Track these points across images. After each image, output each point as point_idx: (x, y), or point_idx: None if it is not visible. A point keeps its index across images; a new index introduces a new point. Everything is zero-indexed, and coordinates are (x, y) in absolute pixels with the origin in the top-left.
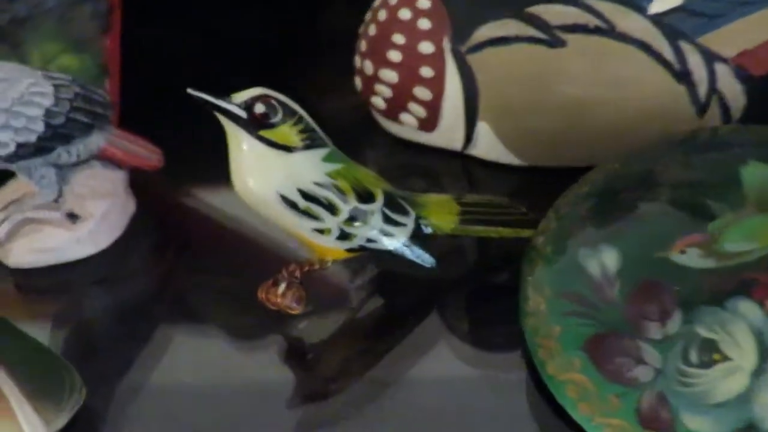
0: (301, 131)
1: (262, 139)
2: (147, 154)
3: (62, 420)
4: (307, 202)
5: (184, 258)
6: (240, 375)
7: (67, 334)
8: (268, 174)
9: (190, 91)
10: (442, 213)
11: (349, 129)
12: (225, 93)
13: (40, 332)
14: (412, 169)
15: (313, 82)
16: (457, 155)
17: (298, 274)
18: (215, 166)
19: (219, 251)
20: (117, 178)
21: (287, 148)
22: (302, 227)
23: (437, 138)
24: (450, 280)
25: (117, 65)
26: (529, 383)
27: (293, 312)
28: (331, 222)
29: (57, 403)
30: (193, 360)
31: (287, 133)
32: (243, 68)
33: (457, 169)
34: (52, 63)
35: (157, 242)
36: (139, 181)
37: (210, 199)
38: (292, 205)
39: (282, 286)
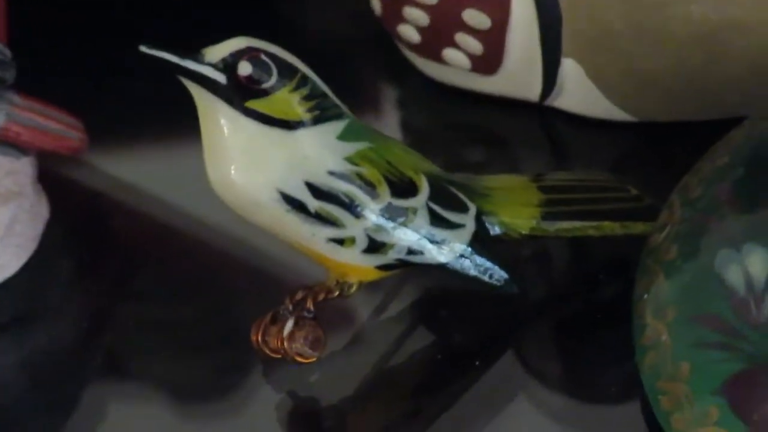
0: (306, 98)
1: (250, 112)
2: (64, 132)
3: None
4: (320, 201)
5: (124, 285)
6: (242, 404)
7: None
8: (262, 163)
9: (143, 48)
10: (516, 205)
11: (363, 74)
12: (193, 48)
13: None
14: (461, 133)
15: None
16: (532, 109)
17: (309, 305)
18: (171, 148)
19: (179, 274)
20: (22, 171)
21: (288, 124)
22: (313, 237)
23: (501, 84)
24: (529, 306)
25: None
26: None
27: (306, 361)
28: (355, 228)
29: None
30: None
31: (286, 101)
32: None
33: (533, 129)
34: None
35: (83, 262)
36: (51, 175)
37: (164, 196)
38: (299, 206)
39: (288, 325)
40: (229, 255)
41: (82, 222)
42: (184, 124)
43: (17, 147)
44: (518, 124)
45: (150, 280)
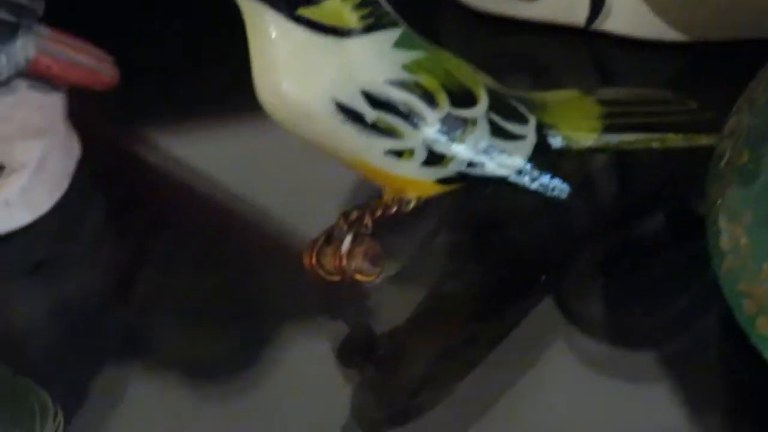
0: (359, 5)
1: (301, 20)
2: (95, 66)
3: None
4: (378, 111)
5: (163, 226)
6: (263, 377)
7: None
8: (315, 73)
9: None
10: (576, 117)
11: (398, 5)
12: None
13: None
14: (502, 63)
15: None
16: (577, 34)
17: (368, 221)
18: (209, 76)
19: (203, 237)
20: (53, 106)
21: (340, 32)
22: (370, 150)
23: (545, 9)
24: (594, 221)
25: None
26: (731, 357)
27: (367, 278)
28: (415, 139)
29: None
30: (191, 366)
31: (338, 8)
32: None
33: (579, 55)
34: None
35: (113, 208)
36: (80, 111)
37: (197, 149)
38: (355, 116)
39: (347, 241)
40: (253, 227)
41: (113, 165)
42: (223, 45)
43: (47, 81)
44: (563, 50)
45: (189, 222)
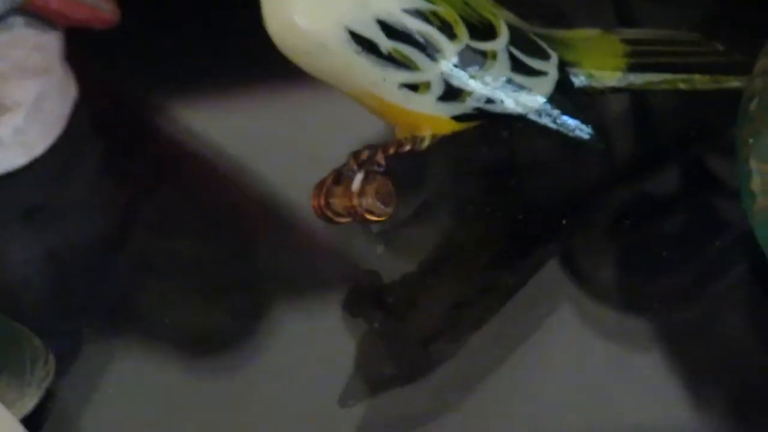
0: None
1: None
2: (95, 2)
3: (30, 399)
4: (393, 41)
5: (161, 177)
6: (274, 329)
7: None
8: (327, 1)
9: None
10: (600, 55)
11: None
12: None
13: None
14: (520, 11)
15: None
16: None
17: (380, 158)
18: (215, 23)
19: (200, 197)
20: (50, 46)
21: None
22: (384, 83)
23: None
24: (617, 166)
25: None
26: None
27: (377, 219)
28: (431, 71)
29: (19, 377)
30: (187, 322)
31: None
32: None
33: (603, 4)
34: None
35: (117, 149)
36: (78, 52)
37: (209, 83)
38: (370, 47)
39: (358, 178)
40: (256, 183)
41: (111, 109)
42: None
43: (45, 18)
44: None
45: (174, 189)
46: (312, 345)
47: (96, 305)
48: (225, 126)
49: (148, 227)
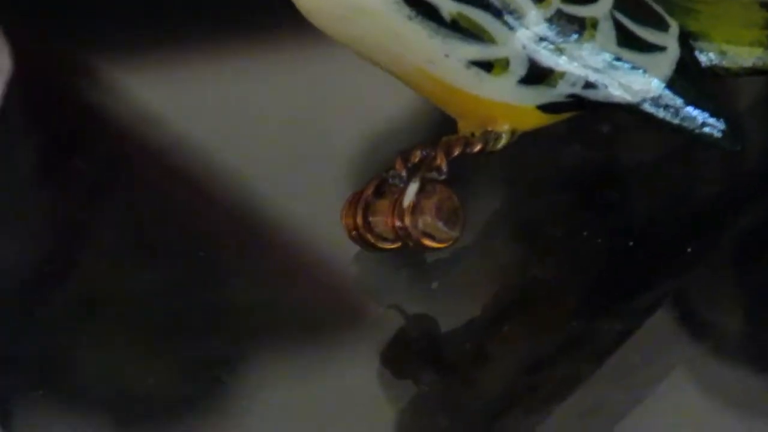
0: None
1: None
2: None
3: None
4: (459, 3)
5: (112, 177)
6: (266, 394)
7: None
8: None
9: None
10: (734, 26)
11: None
12: None
13: None
14: None
15: None
16: None
17: (441, 162)
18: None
19: (190, 168)
20: None
21: None
22: (446, 60)
23: None
24: (760, 173)
25: None
26: None
27: (439, 245)
28: (510, 45)
29: None
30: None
31: None
32: None
33: None
34: None
35: (57, 143)
36: (13, 21)
37: (170, 58)
38: (427, 9)
39: (411, 190)
40: (234, 190)
41: (52, 91)
42: None
43: None
44: None
45: (125, 204)
46: (329, 417)
47: (21, 358)
48: (197, 111)
49: (93, 251)
